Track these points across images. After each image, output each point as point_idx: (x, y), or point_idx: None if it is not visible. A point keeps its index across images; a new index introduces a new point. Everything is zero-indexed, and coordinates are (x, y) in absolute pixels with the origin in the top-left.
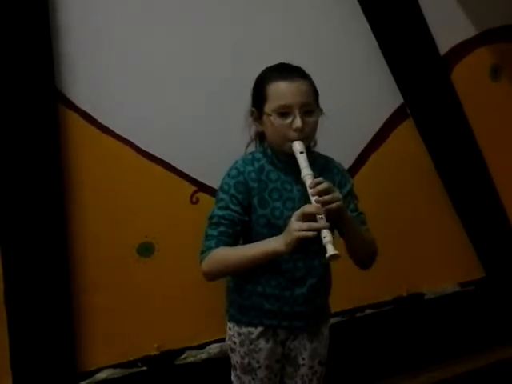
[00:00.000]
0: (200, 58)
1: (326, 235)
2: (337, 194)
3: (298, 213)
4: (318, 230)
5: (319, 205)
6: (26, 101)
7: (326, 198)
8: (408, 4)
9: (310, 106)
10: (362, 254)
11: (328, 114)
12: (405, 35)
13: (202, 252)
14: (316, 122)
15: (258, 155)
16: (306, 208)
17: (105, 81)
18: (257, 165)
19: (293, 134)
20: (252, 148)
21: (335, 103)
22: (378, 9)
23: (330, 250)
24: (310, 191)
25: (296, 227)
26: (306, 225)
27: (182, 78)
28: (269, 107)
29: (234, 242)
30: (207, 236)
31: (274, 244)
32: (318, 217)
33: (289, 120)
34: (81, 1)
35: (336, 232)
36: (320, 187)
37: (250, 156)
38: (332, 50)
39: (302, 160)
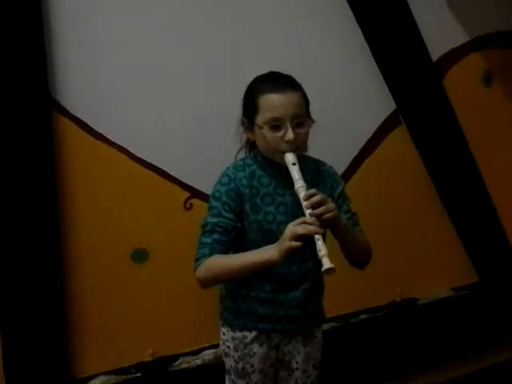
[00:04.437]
0: (193, 65)
1: (321, 248)
2: (331, 206)
3: (294, 222)
4: (313, 238)
5: (314, 218)
6: (21, 108)
7: (320, 210)
8: (400, 11)
9: (302, 118)
10: (357, 255)
11: (322, 121)
12: (397, 42)
13: (196, 260)
14: (307, 133)
15: (249, 161)
16: (302, 219)
17: (99, 88)
18: (248, 170)
19: (285, 146)
20: (242, 155)
21: (329, 109)
22: (370, 15)
23: (326, 264)
24: (303, 204)
25: (289, 233)
26: (300, 227)
27: (176, 86)
28: (260, 119)
29: (227, 249)
30: (201, 244)
31: (268, 253)
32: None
33: (281, 133)
34: (75, 9)
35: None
36: (314, 199)
37: (241, 162)
38: (325, 57)
39: (295, 172)
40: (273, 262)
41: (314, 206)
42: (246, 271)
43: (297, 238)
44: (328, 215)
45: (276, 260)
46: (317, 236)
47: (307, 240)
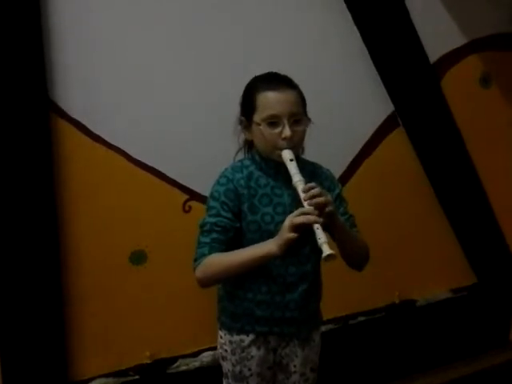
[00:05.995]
0: (192, 66)
1: (321, 236)
2: (329, 198)
3: (292, 214)
4: (312, 228)
5: (312, 207)
6: (19, 110)
7: (320, 199)
8: (398, 13)
9: (299, 116)
10: (355, 256)
11: (320, 122)
12: (395, 44)
13: (196, 260)
14: (304, 131)
15: (247, 162)
16: (300, 210)
17: (97, 90)
18: (246, 172)
19: (282, 143)
20: (241, 156)
21: (327, 111)
22: (368, 18)
23: (326, 250)
24: (302, 196)
25: (287, 224)
26: (300, 217)
27: (173, 88)
28: (258, 117)
29: (226, 249)
30: (200, 243)
31: (267, 246)
32: (312, 215)
33: (278, 129)
34: (73, 11)
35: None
36: (313, 192)
37: (239, 163)
38: (323, 59)
39: (292, 167)
40: (272, 255)
41: (312, 198)
42: (245, 267)
43: (296, 228)
44: (325, 202)
45: (275, 253)
46: (316, 225)
47: (307, 232)
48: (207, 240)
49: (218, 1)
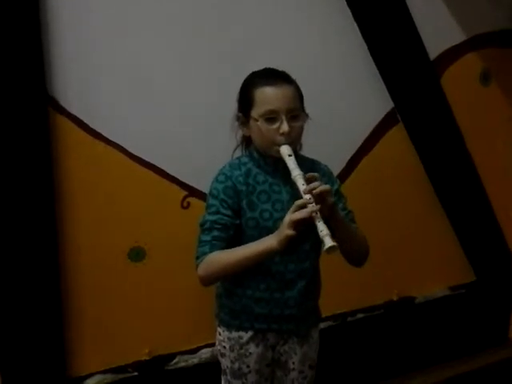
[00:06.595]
0: (192, 65)
1: (323, 228)
2: (329, 188)
3: (291, 209)
4: (312, 222)
5: (308, 197)
6: (17, 106)
7: (323, 187)
8: (398, 9)
9: (296, 111)
10: (354, 252)
11: (319, 119)
12: (395, 40)
13: (197, 258)
14: (302, 126)
15: (245, 159)
16: (297, 202)
17: (96, 86)
18: (244, 169)
19: (280, 139)
20: (239, 153)
21: (326, 108)
22: (368, 14)
23: (328, 242)
24: (301, 189)
25: (287, 219)
26: (297, 212)
27: (172, 84)
28: (256, 112)
29: (227, 246)
30: (201, 242)
31: (267, 242)
32: (310, 206)
33: (276, 125)
34: (72, 6)
35: None
36: (313, 185)
37: (237, 160)
38: (323, 56)
39: (291, 162)
40: (272, 250)
41: (312, 190)
42: (245, 263)
43: (295, 224)
44: (327, 190)
45: (275, 249)
46: (317, 218)
47: (307, 228)
48: (208, 238)
49: (217, 1)
